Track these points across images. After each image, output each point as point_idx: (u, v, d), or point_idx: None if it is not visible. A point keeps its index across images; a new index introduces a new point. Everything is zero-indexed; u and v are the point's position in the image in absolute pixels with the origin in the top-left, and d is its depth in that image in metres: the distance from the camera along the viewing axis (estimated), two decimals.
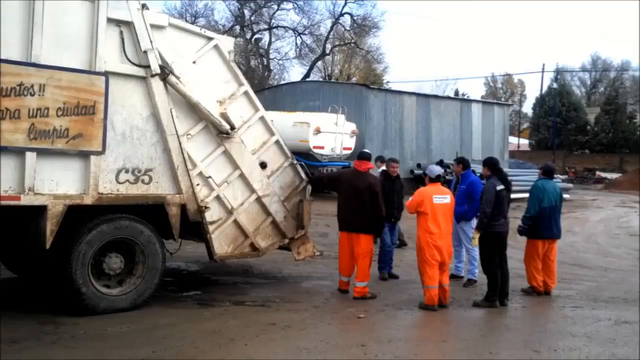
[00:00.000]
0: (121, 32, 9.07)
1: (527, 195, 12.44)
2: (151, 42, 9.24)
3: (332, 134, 26.76)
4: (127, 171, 9.18)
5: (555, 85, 69.09)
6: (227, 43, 10.58)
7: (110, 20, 8.90)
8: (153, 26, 9.35)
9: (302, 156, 22.98)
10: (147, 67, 9.23)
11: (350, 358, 7.76)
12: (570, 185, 39.81)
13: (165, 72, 9.38)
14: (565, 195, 33.51)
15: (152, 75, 9.26)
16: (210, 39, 10.30)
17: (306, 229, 11.59)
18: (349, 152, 27.28)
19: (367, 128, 31.34)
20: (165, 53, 9.50)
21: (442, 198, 10.40)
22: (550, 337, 9.09)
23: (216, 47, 10.30)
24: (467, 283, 12.10)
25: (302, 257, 11.73)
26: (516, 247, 13.07)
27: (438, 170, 10.79)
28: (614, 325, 9.71)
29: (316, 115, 28.00)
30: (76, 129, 8.57)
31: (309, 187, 11.66)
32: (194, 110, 9.86)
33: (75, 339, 8.00)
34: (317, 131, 26.34)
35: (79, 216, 8.84)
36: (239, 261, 12.38)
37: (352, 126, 28.28)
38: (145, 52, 9.19)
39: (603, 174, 55.92)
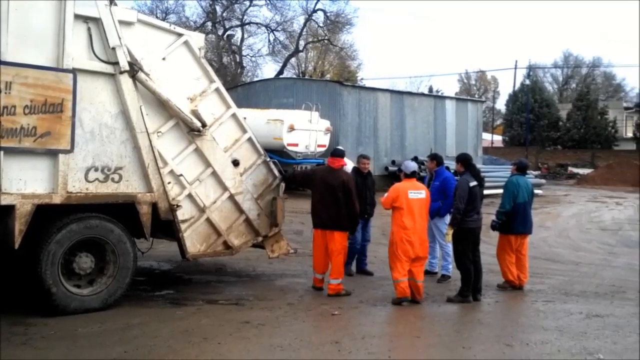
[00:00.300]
0: (89, 29, 8.96)
1: (500, 191, 12.48)
2: (119, 38, 9.13)
3: (306, 131, 26.73)
4: (96, 170, 9.07)
5: (527, 82, 69.50)
6: (197, 39, 10.49)
7: (77, 17, 8.78)
8: (121, 22, 9.24)
9: (277, 154, 22.90)
10: (116, 63, 9.13)
11: (324, 355, 7.72)
12: (543, 181, 40.09)
13: (134, 69, 9.28)
14: (538, 191, 33.94)
15: (121, 72, 9.15)
16: (180, 35, 10.21)
17: (280, 227, 11.53)
18: (323, 149, 27.28)
19: (342, 125, 31.31)
20: (134, 50, 9.39)
21: (418, 193, 10.41)
22: (522, 331, 9.12)
23: (186, 43, 10.21)
24: (441, 279, 12.12)
25: (276, 255, 11.68)
26: (489, 243, 13.11)
27: (413, 166, 10.77)
28: (585, 318, 9.76)
29: (290, 112, 27.95)
30: (44, 127, 8.45)
31: (283, 185, 11.60)
32: (164, 107, 9.77)
33: (46, 340, 7.89)
34: (291, 128, 26.30)
35: (48, 215, 8.72)
36: (212, 260, 12.30)
37: (326, 123, 28.27)
38: (113, 48, 9.08)
39: (575, 170, 56.38)
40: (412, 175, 10.62)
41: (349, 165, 12.11)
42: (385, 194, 10.62)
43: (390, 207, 10.43)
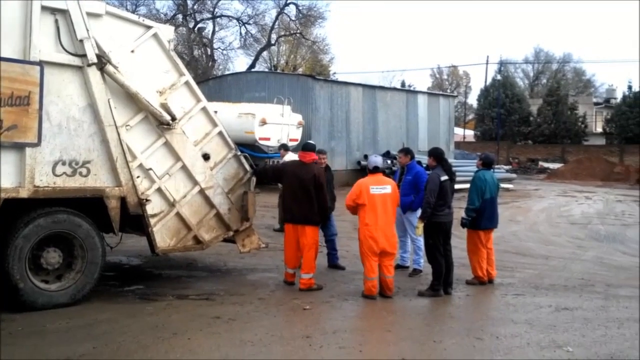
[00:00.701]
0: (56, 21, 8.84)
1: None
2: (87, 30, 9.02)
3: (278, 125, 26.68)
4: (64, 163, 8.96)
5: (499, 77, 69.89)
6: (166, 32, 10.38)
7: (44, 8, 8.67)
8: (89, 14, 9.12)
9: (248, 148, 22.85)
10: (84, 56, 9.01)
11: (295, 350, 7.69)
12: (514, 175, 40.36)
13: (102, 62, 9.17)
14: (508, 186, 34.28)
15: (89, 65, 9.04)
16: (149, 27, 10.10)
17: (251, 221, 11.46)
18: (295, 143, 27.22)
19: (314, 119, 31.27)
20: (103, 42, 9.28)
21: (381, 188, 10.37)
22: (492, 324, 9.17)
23: (155, 36, 10.11)
24: (412, 273, 12.12)
25: (247, 250, 11.60)
26: (460, 237, 13.14)
27: (375, 161, 10.74)
28: (555, 312, 9.82)
29: (262, 106, 27.88)
30: (10, 120, 8.32)
31: (254, 179, 11.53)
32: (132, 100, 9.66)
33: (13, 336, 7.77)
34: (263, 122, 26.22)
35: (15, 210, 8.60)
36: (182, 255, 12.23)
37: (298, 117, 28.24)
38: (81, 40, 8.97)
39: (545, 164, 56.81)
40: (375, 170, 10.60)
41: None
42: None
43: (353, 203, 10.40)
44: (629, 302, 10.55)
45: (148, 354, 7.37)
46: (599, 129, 71.49)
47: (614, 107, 68.19)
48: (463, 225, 11.58)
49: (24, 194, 8.55)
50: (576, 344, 8.24)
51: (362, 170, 28.27)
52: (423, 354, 7.84)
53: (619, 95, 72.02)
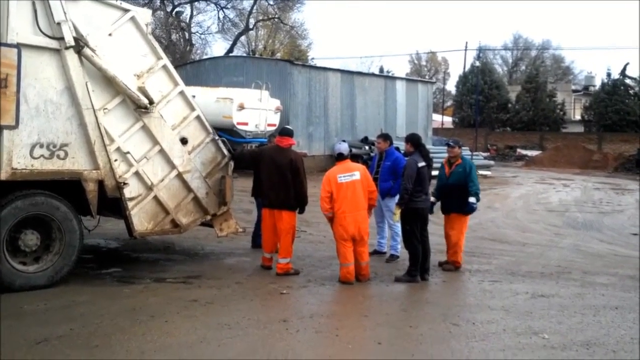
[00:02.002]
0: (34, 3, 8.80)
1: None
2: (65, 13, 8.99)
3: (256, 110, 26.57)
4: (41, 146, 8.94)
5: (477, 64, 70.00)
6: (144, 15, 10.36)
7: None
8: None
9: (226, 132, 22.75)
10: (61, 39, 8.99)
11: (272, 333, 7.72)
12: (492, 162, 40.53)
13: (79, 45, 9.13)
14: (486, 172, 34.42)
15: (66, 48, 9.02)
16: (126, 10, 10.06)
17: (229, 206, 11.48)
18: (273, 128, 27.15)
19: (292, 104, 31.26)
20: (80, 25, 9.26)
21: (349, 176, 10.39)
22: (468, 310, 9.22)
23: (133, 19, 10.07)
24: (389, 259, 12.18)
25: (225, 234, 11.64)
26: (437, 224, 13.21)
27: (339, 148, 10.77)
28: (531, 298, 9.91)
29: (240, 91, 27.73)
30: None
31: (232, 164, 11.55)
32: (110, 83, 9.64)
33: None
34: (241, 107, 26.10)
35: None
36: (160, 238, 12.25)
37: (276, 102, 28.16)
38: (58, 23, 8.95)
39: (523, 152, 57.06)
40: (340, 157, 10.64)
41: None
42: None
43: (327, 195, 10.41)
44: (606, 290, 10.63)
45: (125, 336, 7.38)
46: (578, 117, 71.78)
47: (593, 94, 68.47)
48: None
49: (2, 176, 8.53)
50: (552, 330, 8.29)
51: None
52: (399, 339, 7.91)
53: (597, 83, 72.36)
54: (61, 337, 7.25)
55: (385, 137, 12.61)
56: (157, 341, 7.31)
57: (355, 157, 25.59)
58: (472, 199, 11.41)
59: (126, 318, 7.99)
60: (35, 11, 8.80)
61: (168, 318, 8.06)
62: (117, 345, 7.13)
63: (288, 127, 11.77)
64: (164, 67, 10.54)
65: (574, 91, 77.92)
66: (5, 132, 8.52)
